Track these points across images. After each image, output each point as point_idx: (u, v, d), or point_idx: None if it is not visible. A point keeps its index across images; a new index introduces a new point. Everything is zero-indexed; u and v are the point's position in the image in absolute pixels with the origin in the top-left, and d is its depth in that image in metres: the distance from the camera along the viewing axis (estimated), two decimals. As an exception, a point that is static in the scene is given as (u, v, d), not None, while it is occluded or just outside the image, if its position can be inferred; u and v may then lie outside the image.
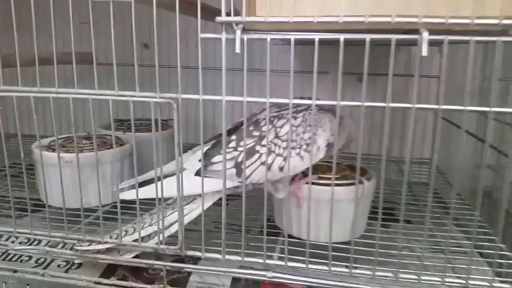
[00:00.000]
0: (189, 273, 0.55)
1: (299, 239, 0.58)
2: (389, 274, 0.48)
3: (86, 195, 0.63)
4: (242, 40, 0.43)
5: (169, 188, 0.50)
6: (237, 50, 0.43)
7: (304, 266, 0.49)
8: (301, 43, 0.97)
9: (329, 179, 0.56)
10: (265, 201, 0.47)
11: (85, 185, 0.65)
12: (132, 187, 0.52)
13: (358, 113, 0.44)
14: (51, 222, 0.55)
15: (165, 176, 0.52)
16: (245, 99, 0.45)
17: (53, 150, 0.70)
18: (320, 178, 0.58)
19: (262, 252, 0.49)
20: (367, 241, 0.58)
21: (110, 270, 0.56)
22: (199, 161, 0.54)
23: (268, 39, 0.43)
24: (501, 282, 0.49)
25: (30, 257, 0.59)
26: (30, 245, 0.61)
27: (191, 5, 0.48)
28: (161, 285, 0.51)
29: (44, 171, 0.65)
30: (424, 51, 0.41)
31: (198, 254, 0.51)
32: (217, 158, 0.53)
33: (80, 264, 0.57)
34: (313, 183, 0.56)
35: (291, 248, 0.54)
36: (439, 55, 0.96)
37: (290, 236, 0.59)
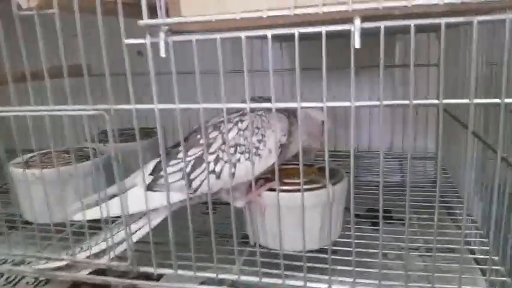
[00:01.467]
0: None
1: (267, 248, 0.55)
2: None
3: (62, 211, 0.63)
4: (167, 43, 0.41)
5: (117, 206, 0.48)
6: (162, 54, 0.41)
7: (279, 282, 0.46)
8: (286, 39, 0.94)
9: (294, 184, 0.53)
10: (210, 211, 0.44)
11: (62, 200, 0.65)
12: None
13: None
14: (27, 239, 0.55)
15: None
16: (178, 107, 0.42)
17: (29, 167, 0.70)
18: (285, 184, 0.54)
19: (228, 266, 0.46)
20: (342, 248, 0.54)
21: (75, 286, 0.55)
22: (150, 174, 0.51)
23: (194, 41, 0.41)
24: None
25: (2, 274, 0.59)
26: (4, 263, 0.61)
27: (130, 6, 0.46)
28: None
29: (18, 188, 0.65)
30: (357, 43, 0.37)
31: (150, 269, 0.48)
32: (168, 170, 0.50)
33: (47, 281, 0.57)
34: (274, 190, 0.52)
35: (253, 258, 0.52)
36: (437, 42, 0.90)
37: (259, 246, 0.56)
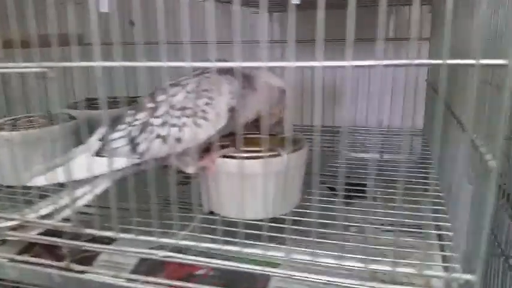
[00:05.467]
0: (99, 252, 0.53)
1: (221, 216, 0.54)
2: (307, 258, 0.42)
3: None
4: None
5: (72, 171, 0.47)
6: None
7: (215, 246, 0.45)
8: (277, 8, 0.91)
9: (252, 152, 0.52)
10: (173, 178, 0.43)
11: (30, 163, 0.65)
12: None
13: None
14: None
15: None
16: (121, 64, 0.41)
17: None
18: (243, 151, 0.53)
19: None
20: (300, 218, 0.53)
21: (29, 247, 0.56)
22: (100, 140, 0.51)
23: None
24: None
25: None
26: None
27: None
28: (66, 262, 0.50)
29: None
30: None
31: (94, 231, 0.48)
32: (114, 136, 0.50)
33: (4, 241, 0.57)
34: (227, 157, 0.51)
35: (205, 226, 0.51)
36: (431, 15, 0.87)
37: (212, 214, 0.55)
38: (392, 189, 0.63)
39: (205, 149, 0.53)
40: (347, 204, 0.69)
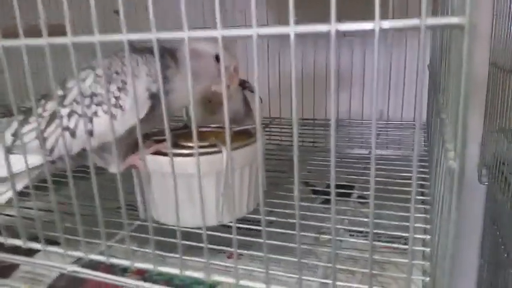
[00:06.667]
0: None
1: (158, 223, 0.47)
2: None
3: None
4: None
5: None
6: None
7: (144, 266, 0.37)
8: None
9: (189, 148, 0.44)
10: (93, 178, 0.35)
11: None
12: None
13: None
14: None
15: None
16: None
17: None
18: (179, 147, 0.45)
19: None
20: (250, 226, 0.45)
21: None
22: (12, 135, 0.44)
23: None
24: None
25: None
26: None
27: None
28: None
29: None
30: None
31: (19, 242, 0.41)
32: (25, 129, 0.42)
33: None
34: (159, 154, 0.44)
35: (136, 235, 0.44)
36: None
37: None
38: (382, 192, 0.54)
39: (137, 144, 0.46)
40: (325, 207, 0.60)
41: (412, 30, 0.25)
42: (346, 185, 0.64)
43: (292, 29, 0.26)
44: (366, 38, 0.83)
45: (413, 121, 0.81)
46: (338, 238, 0.47)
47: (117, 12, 1.03)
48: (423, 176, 0.63)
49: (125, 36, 0.31)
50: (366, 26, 0.24)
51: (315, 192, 0.66)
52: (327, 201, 0.62)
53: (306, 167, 0.69)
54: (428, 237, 0.41)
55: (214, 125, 0.54)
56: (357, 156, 0.75)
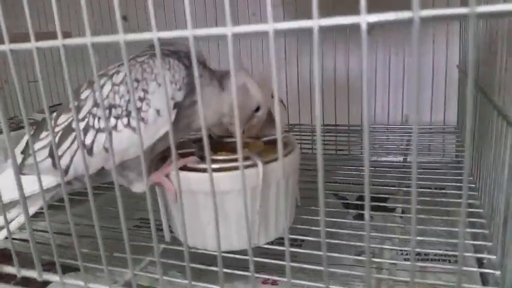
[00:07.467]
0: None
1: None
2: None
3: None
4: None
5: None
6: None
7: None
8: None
9: (221, 162, 0.39)
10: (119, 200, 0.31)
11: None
12: None
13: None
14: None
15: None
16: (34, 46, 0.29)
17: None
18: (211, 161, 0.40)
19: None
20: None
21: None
22: (22, 152, 0.39)
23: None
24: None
25: None
26: None
27: None
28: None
29: None
30: None
31: (34, 274, 0.36)
32: (36, 146, 0.37)
33: None
34: (186, 169, 0.39)
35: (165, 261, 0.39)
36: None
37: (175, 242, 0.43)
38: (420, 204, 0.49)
39: (163, 158, 0.42)
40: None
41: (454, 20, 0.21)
42: (382, 197, 0.59)
43: (316, 23, 0.21)
44: (391, 33, 0.77)
45: (443, 125, 0.76)
46: (392, 261, 0.42)
47: (125, 18, 0.97)
48: (459, 184, 0.58)
49: (122, 37, 0.26)
50: (403, 15, 0.21)
51: (346, 206, 0.61)
52: (360, 216, 0.57)
53: (332, 176, 0.64)
54: (494, 257, 0.36)
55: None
56: (384, 164, 0.70)
